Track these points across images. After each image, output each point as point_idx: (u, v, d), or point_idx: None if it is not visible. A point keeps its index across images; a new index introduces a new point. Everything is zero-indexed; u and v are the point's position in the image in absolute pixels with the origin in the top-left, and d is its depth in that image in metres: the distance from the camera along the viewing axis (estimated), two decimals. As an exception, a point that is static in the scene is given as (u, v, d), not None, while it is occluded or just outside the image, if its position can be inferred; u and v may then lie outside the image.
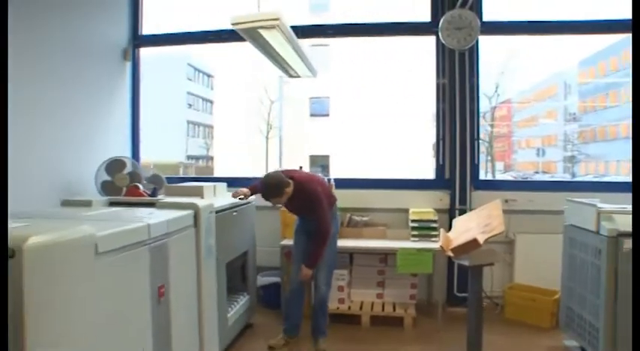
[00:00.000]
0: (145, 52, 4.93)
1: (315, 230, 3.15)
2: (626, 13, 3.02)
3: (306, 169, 4.38)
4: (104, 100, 4.39)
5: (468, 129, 4.22)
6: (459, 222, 3.30)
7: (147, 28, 4.85)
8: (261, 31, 2.61)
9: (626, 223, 2.48)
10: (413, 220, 3.97)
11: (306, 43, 3.32)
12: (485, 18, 4.19)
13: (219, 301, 2.79)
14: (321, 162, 14.15)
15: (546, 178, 18.24)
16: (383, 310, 3.83)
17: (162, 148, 13.65)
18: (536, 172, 19.51)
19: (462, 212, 3.95)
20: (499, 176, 17.80)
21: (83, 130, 4.05)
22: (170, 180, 4.14)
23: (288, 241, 3.71)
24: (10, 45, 3.11)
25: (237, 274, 3.55)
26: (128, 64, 4.72)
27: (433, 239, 3.84)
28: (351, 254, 3.98)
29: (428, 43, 4.42)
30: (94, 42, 4.22)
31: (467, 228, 2.99)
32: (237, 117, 16.98)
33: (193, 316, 2.37)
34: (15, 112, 3.21)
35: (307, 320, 3.46)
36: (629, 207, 2.46)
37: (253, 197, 3.56)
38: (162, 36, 4.92)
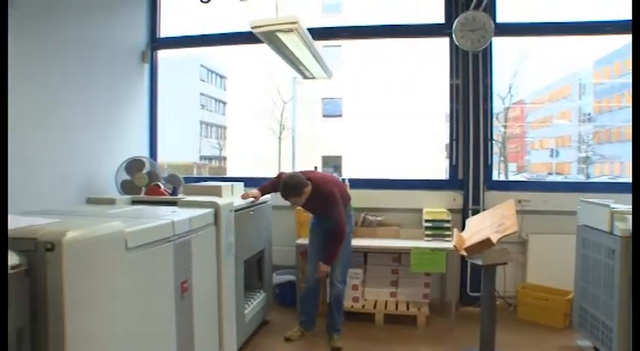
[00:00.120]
0: (160, 54, 5.03)
1: (331, 230, 3.24)
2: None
3: (319, 169, 4.43)
4: (123, 101, 4.50)
5: (482, 129, 4.24)
6: (472, 222, 3.34)
7: (164, 31, 4.96)
8: (279, 34, 2.68)
9: None
10: (426, 220, 4.01)
11: (319, 44, 3.38)
12: (499, 19, 4.21)
13: (238, 298, 2.87)
14: (333, 162, 14.21)
15: (560, 179, 18.07)
16: (397, 308, 3.87)
17: (176, 148, 13.79)
18: (550, 174, 19.35)
19: (475, 212, 3.98)
20: (512, 177, 17.71)
21: (103, 130, 4.15)
22: (186, 180, 4.23)
23: (304, 240, 3.78)
24: (34, 49, 3.25)
25: (253, 272, 3.63)
26: (146, 67, 4.82)
27: (446, 239, 3.88)
28: (365, 253, 4.04)
29: (441, 44, 4.46)
30: (113, 45, 4.33)
31: (480, 228, 3.03)
32: (250, 118, 17.10)
33: (213, 311, 2.44)
34: (40, 114, 3.34)
35: (323, 318, 3.53)
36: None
37: (268, 196, 3.64)
38: (179, 38, 5.03)
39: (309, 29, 2.94)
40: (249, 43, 4.38)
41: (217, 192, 3.13)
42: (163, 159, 5.18)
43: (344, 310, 3.54)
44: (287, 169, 3.87)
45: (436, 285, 4.19)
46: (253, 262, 3.56)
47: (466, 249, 2.87)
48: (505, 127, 17.31)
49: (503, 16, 4.30)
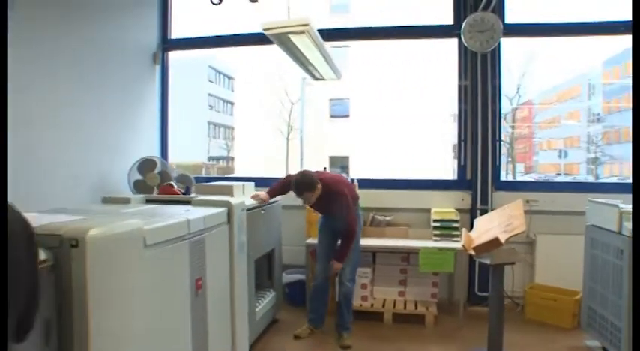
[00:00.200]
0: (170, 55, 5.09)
1: (342, 229, 3.32)
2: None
3: (327, 170, 4.47)
4: (135, 102, 4.56)
5: (490, 130, 4.26)
6: (480, 222, 3.36)
7: (175, 33, 5.02)
8: (290, 36, 2.72)
9: (648, 223, 2.51)
10: (435, 220, 4.04)
11: (327, 45, 3.43)
12: (508, 20, 4.23)
13: (249, 296, 2.92)
14: (340, 163, 14.19)
15: (568, 180, 17.97)
16: (405, 307, 3.91)
17: (185, 149, 13.89)
18: (558, 174, 19.24)
19: (484, 212, 4.01)
20: (520, 178, 17.64)
21: (115, 131, 4.21)
22: (196, 180, 4.29)
23: (313, 240, 3.82)
24: (48, 50, 3.31)
25: (264, 271, 3.68)
26: (157, 68, 4.89)
27: (455, 239, 3.91)
28: (374, 253, 4.07)
29: (450, 45, 4.48)
30: (126, 46, 4.40)
31: (488, 227, 3.06)
32: (257, 118, 17.17)
33: (226, 309, 2.49)
34: (53, 114, 3.40)
35: (332, 316, 3.57)
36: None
37: (279, 198, 3.69)
38: (190, 40, 5.09)
39: (318, 30, 2.98)
40: (260, 45, 4.43)
41: (229, 192, 3.18)
42: (173, 159, 5.24)
43: (353, 308, 3.58)
44: (295, 169, 3.91)
45: (444, 284, 4.21)
46: (264, 262, 3.61)
47: (474, 248, 2.90)
48: (513, 127, 17.24)
49: (511, 16, 4.32)
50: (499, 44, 4.12)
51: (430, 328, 3.74)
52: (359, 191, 3.76)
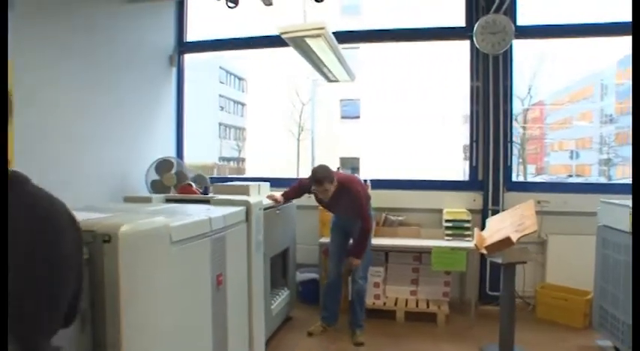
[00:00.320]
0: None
1: (359, 228, 3.40)
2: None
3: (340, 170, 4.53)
4: (152, 103, 4.67)
5: (502, 131, 4.30)
6: (492, 221, 3.41)
7: (190, 35, 5.12)
8: (307, 39, 2.79)
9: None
10: (447, 220, 4.09)
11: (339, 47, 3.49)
12: (520, 22, 4.27)
13: (265, 293, 2.99)
14: (350, 164, 14.26)
15: (580, 181, 17.82)
16: (417, 306, 3.96)
17: (197, 149, 14.01)
18: (570, 176, 19.08)
19: (495, 213, 4.04)
20: (531, 179, 17.53)
21: (133, 132, 4.32)
22: (211, 180, 4.39)
23: (326, 239, 3.89)
24: (71, 54, 3.42)
25: (278, 270, 3.75)
26: (174, 70, 4.99)
27: (466, 239, 3.96)
28: (387, 252, 4.14)
29: (461, 46, 4.53)
30: (143, 49, 4.51)
31: (500, 227, 3.10)
32: (268, 119, 17.27)
33: (244, 304, 2.56)
34: (75, 116, 3.50)
35: (345, 315, 3.63)
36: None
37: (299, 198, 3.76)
38: (205, 42, 5.19)
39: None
40: (274, 47, 4.52)
41: (245, 191, 3.26)
42: (187, 160, 5.34)
43: (366, 307, 3.64)
44: (306, 170, 3.98)
45: (456, 284, 4.25)
46: (278, 260, 3.68)
47: (486, 247, 2.95)
48: (524, 128, 17.15)
49: (523, 18, 4.34)
50: (511, 46, 4.16)
51: (442, 327, 3.79)
52: (372, 191, 3.83)
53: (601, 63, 19.22)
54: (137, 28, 4.34)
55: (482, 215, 4.21)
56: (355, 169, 13.88)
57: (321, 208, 3.90)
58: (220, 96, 24.75)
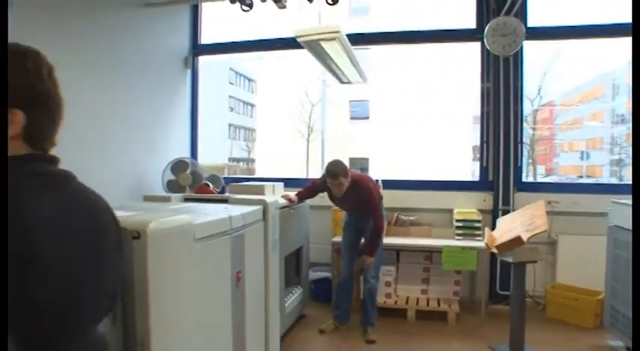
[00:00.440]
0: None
1: (372, 227, 3.46)
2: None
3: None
4: (167, 105, 4.76)
5: (512, 132, 4.33)
6: (503, 221, 3.46)
7: (205, 38, 5.21)
8: (322, 42, 2.86)
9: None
10: (457, 220, 4.14)
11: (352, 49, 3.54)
12: (530, 23, 4.29)
13: (280, 291, 3.06)
14: (360, 164, 14.30)
15: (591, 182, 17.69)
16: (428, 305, 4.00)
17: (207, 150, 14.10)
18: (580, 177, 18.94)
19: (505, 213, 4.08)
20: (541, 180, 17.45)
21: (150, 133, 4.40)
22: (225, 180, 4.46)
23: (339, 238, 3.95)
24: (90, 57, 3.50)
25: (292, 268, 3.81)
26: (188, 72, 5.08)
27: (477, 238, 4.00)
28: (398, 251, 4.19)
29: (472, 48, 4.57)
30: (159, 52, 4.60)
31: (511, 227, 3.15)
32: (278, 120, 17.35)
33: (261, 301, 2.63)
34: (94, 117, 3.59)
35: (357, 313, 3.69)
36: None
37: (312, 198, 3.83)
38: (219, 45, 5.27)
39: (342, 35, 3.11)
40: (287, 49, 4.60)
41: (260, 191, 3.33)
42: (200, 160, 5.42)
43: (377, 305, 3.70)
44: (316, 171, 4.03)
45: (466, 283, 4.29)
46: (292, 259, 3.75)
47: (497, 247, 2.99)
48: (534, 129, 17.08)
49: (534, 20, 4.37)
50: (521, 47, 4.19)
51: (452, 326, 3.84)
52: (383, 191, 3.88)
53: (612, 63, 19.04)
54: (153, 32, 4.44)
55: (493, 215, 4.25)
56: (364, 169, 13.92)
57: (334, 208, 3.96)
58: (230, 97, 24.85)
